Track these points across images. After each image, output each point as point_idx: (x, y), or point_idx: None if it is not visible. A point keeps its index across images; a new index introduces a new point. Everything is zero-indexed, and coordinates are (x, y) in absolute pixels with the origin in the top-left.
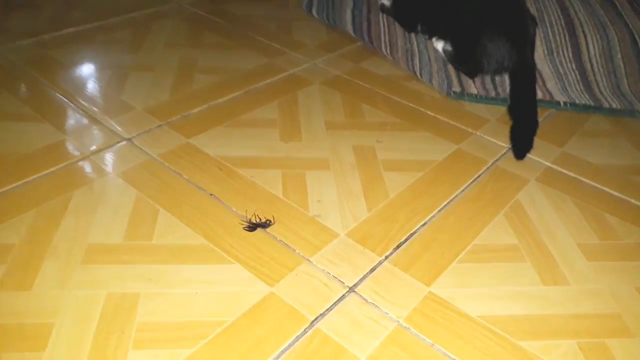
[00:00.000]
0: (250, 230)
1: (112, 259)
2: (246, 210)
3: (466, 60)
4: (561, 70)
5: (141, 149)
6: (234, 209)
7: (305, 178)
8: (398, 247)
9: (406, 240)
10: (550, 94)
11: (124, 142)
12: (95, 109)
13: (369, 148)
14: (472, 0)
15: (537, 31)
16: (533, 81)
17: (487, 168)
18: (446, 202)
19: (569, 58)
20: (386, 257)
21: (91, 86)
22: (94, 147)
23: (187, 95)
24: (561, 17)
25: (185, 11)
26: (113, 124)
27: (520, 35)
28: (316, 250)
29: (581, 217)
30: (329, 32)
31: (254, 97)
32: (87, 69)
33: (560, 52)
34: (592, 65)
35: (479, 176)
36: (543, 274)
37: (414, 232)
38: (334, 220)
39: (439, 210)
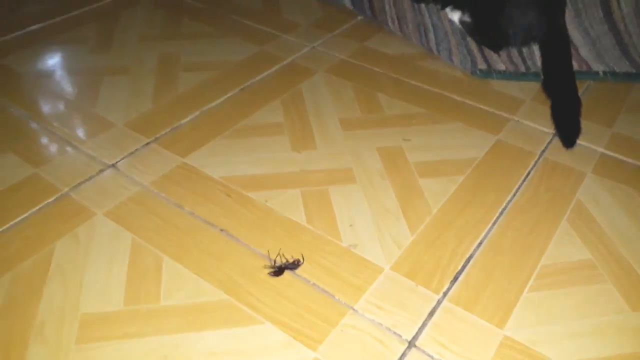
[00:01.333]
0: (277, 275)
1: (114, 332)
2: (268, 250)
3: (489, 32)
4: (592, 34)
5: (129, 176)
6: (253, 248)
7: (330, 196)
8: (455, 279)
9: (463, 269)
10: (587, 63)
11: (107, 170)
12: (67, 130)
13: (397, 149)
14: None
15: None
16: (568, 50)
17: (536, 162)
18: (498, 212)
19: (600, 19)
20: (444, 295)
21: (58, 100)
22: (72, 181)
23: (174, 101)
24: None
25: None
26: (91, 147)
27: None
28: (360, 293)
29: None
30: (323, 7)
31: (251, 95)
32: (50, 78)
33: (589, 12)
34: (625, 26)
35: (528, 174)
36: (629, 296)
37: (470, 258)
38: (374, 249)
39: (493, 225)
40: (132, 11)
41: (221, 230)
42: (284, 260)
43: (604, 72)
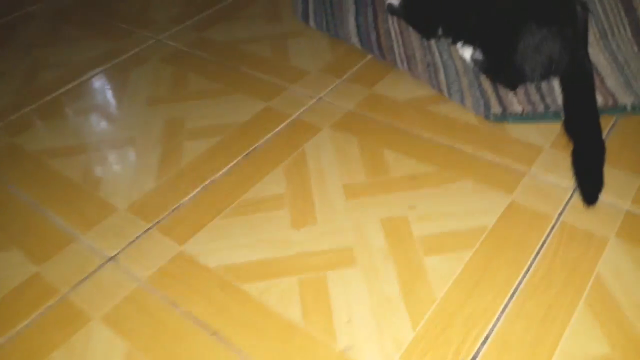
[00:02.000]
0: None
1: None
2: None
3: (503, 69)
4: (620, 58)
5: (127, 271)
6: (245, 353)
7: (328, 285)
8: None
9: None
10: (613, 96)
11: (107, 264)
12: (71, 218)
13: (401, 220)
14: None
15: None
16: (592, 84)
17: (552, 228)
18: (508, 296)
19: (628, 39)
20: None
21: (65, 184)
22: (72, 279)
23: (176, 177)
24: None
25: (165, 48)
26: (92, 237)
27: (570, 27)
28: None
29: None
30: (332, 48)
31: (254, 163)
32: (59, 157)
33: (617, 32)
34: None
35: (543, 244)
36: None
37: (474, 358)
38: (371, 352)
39: (502, 312)
40: (142, 69)
41: (213, 334)
42: None
43: (633, 106)
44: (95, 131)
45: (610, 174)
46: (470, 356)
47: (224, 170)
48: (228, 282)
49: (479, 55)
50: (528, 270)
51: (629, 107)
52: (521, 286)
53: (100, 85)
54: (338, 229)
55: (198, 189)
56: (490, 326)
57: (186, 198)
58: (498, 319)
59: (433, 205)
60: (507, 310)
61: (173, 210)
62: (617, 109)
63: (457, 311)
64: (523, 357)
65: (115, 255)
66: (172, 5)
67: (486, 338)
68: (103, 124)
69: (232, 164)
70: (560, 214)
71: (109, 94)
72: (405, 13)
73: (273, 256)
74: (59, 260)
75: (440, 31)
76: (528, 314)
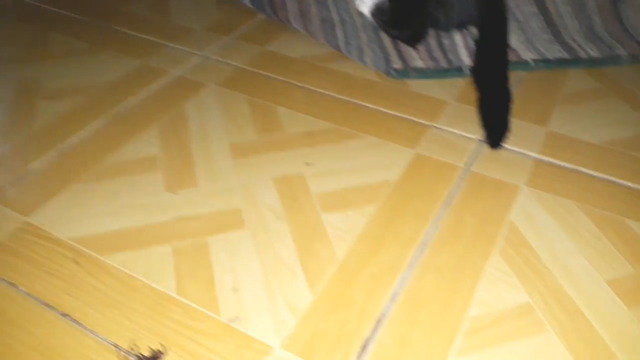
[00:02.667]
0: None
1: None
2: (116, 343)
3: (411, 19)
4: (521, 17)
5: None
6: (102, 336)
7: (209, 251)
8: (363, 350)
9: (372, 335)
10: (515, 51)
11: None
12: None
13: (297, 177)
14: None
15: None
16: (506, 32)
17: (460, 178)
18: (415, 250)
19: None
20: None
21: None
22: None
23: (25, 140)
24: None
25: (22, 7)
26: None
27: None
28: None
29: (600, 234)
30: (219, 7)
31: (123, 123)
32: None
33: None
34: (556, 5)
35: (451, 194)
36: (577, 349)
37: (382, 318)
38: (262, 321)
39: (409, 268)
40: None
41: (63, 314)
42: (139, 354)
43: (535, 60)
44: None
45: (516, 125)
46: (378, 315)
47: (84, 131)
48: (84, 255)
49: (384, 3)
50: (436, 222)
51: (531, 62)
52: (430, 239)
53: None
54: (223, 190)
55: (52, 153)
56: (397, 282)
57: (35, 163)
58: (405, 278)
59: (332, 161)
60: (415, 264)
61: (18, 178)
62: (520, 63)
63: (360, 269)
64: (436, 311)
65: None
66: None
67: (395, 295)
68: None
69: (95, 124)
70: (467, 164)
71: None
72: None
73: (141, 223)
74: None
75: None
76: (438, 267)
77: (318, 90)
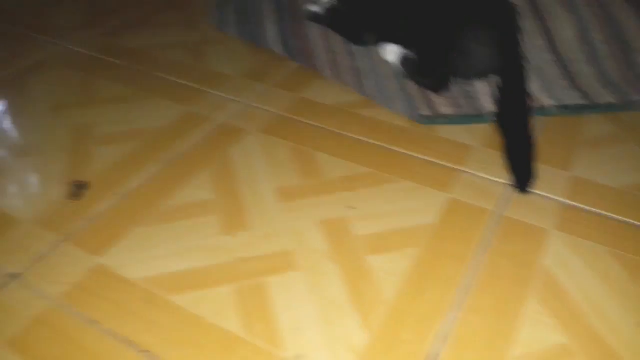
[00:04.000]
0: None
1: None
2: None
3: (436, 69)
4: (538, 65)
5: (36, 289)
6: None
7: (270, 291)
8: None
9: None
10: (536, 97)
11: (11, 283)
12: None
13: (341, 221)
14: None
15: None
16: (525, 82)
17: (492, 222)
18: (458, 292)
19: (543, 46)
20: None
21: None
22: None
23: (88, 184)
24: None
25: (71, 55)
26: None
27: (507, 25)
28: None
29: (630, 278)
30: (254, 54)
31: (177, 168)
32: None
33: (532, 41)
34: (570, 54)
35: (485, 238)
36: None
37: (436, 357)
38: (324, 359)
39: (454, 311)
40: (43, 77)
41: (142, 351)
42: None
43: (555, 107)
44: None
45: (542, 169)
46: (431, 355)
47: (142, 176)
48: (155, 295)
49: (411, 55)
50: (475, 265)
51: (551, 109)
52: (470, 281)
53: None
54: (274, 233)
55: (114, 198)
56: (444, 323)
57: (101, 207)
58: (452, 315)
59: (372, 205)
60: (460, 306)
61: (86, 221)
62: (540, 109)
63: (409, 310)
64: (482, 351)
65: (20, 273)
66: (73, 11)
67: (443, 336)
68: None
69: (151, 170)
70: (498, 208)
71: (6, 100)
72: (329, 20)
73: (204, 264)
74: None
75: (367, 36)
76: (481, 309)
77: (353, 136)
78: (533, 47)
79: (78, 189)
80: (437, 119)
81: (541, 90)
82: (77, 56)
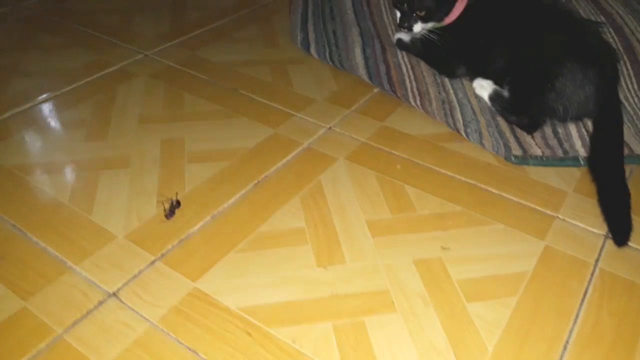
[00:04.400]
0: None
1: None
2: None
3: (530, 108)
4: (630, 110)
5: (133, 309)
6: None
7: (368, 331)
8: None
9: None
10: (628, 144)
11: (107, 301)
12: (60, 246)
13: (436, 262)
14: (541, 24)
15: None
16: (621, 127)
17: (592, 275)
18: (562, 348)
19: (635, 92)
20: None
21: (50, 206)
22: (67, 318)
23: (182, 202)
24: (616, 38)
25: (155, 64)
26: (88, 268)
27: (607, 67)
28: None
29: None
30: (336, 78)
31: (267, 192)
32: (42, 176)
33: (624, 84)
34: None
35: (586, 292)
36: None
37: None
38: None
39: None
40: (129, 85)
41: None
42: None
43: None
44: (81, 148)
45: (637, 221)
46: None
47: (233, 198)
48: (255, 326)
49: (503, 92)
50: (576, 320)
51: None
52: (572, 336)
53: (84, 98)
54: (370, 270)
55: (207, 219)
56: None
57: (194, 228)
58: None
59: (467, 247)
60: None
61: (180, 241)
62: (632, 157)
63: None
64: None
65: (117, 290)
66: (159, 21)
67: None
68: (90, 141)
69: (242, 192)
70: (597, 260)
71: (95, 108)
72: (420, 50)
73: (302, 297)
74: (49, 294)
75: (459, 69)
76: None
77: (441, 170)
78: (626, 91)
79: (171, 207)
80: (528, 159)
81: (634, 136)
82: (161, 67)
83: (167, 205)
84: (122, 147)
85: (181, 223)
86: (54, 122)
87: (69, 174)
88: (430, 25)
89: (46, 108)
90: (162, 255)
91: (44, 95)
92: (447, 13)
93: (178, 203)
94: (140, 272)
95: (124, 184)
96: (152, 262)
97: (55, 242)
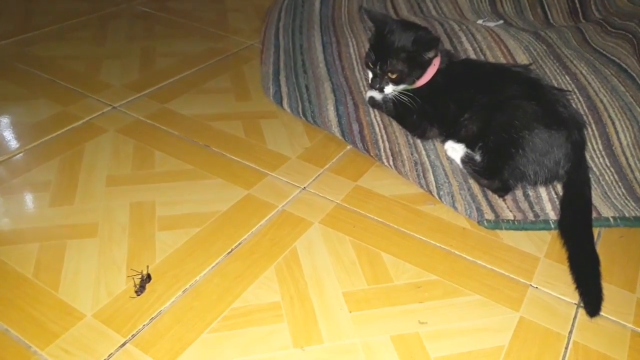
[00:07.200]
0: None
1: None
2: None
3: (502, 172)
4: (596, 170)
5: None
6: None
7: None
8: None
9: None
10: (595, 207)
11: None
12: (24, 333)
13: (413, 337)
14: (512, 92)
15: None
16: (589, 194)
17: (566, 348)
18: None
19: (600, 152)
20: None
21: (11, 277)
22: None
23: (152, 275)
24: (581, 99)
25: (124, 118)
26: (52, 354)
27: (575, 132)
28: None
29: None
30: (309, 134)
31: (240, 262)
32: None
33: (590, 144)
34: (627, 159)
35: None
36: None
37: None
38: None
39: None
40: (97, 142)
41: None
42: None
43: (614, 218)
44: (47, 214)
45: (607, 288)
46: None
47: (206, 270)
48: None
49: (476, 156)
50: None
51: (611, 220)
52: None
53: (49, 156)
54: (347, 350)
55: (178, 294)
56: None
57: (166, 305)
58: None
59: (443, 320)
60: None
61: (151, 319)
62: (600, 220)
63: None
64: None
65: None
66: (127, 68)
67: None
68: (56, 206)
69: (214, 262)
70: (570, 332)
71: (61, 168)
72: (392, 110)
73: None
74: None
75: (430, 131)
76: None
77: (416, 235)
78: (591, 151)
79: (141, 282)
80: (500, 223)
81: (601, 198)
82: (130, 120)
83: (137, 281)
84: (90, 212)
85: (152, 299)
86: (17, 184)
87: (33, 244)
88: (401, 87)
89: (8, 168)
90: (133, 337)
91: (6, 154)
92: (419, 76)
93: (149, 277)
94: (110, 356)
95: (92, 255)
96: (123, 345)
97: (19, 324)
